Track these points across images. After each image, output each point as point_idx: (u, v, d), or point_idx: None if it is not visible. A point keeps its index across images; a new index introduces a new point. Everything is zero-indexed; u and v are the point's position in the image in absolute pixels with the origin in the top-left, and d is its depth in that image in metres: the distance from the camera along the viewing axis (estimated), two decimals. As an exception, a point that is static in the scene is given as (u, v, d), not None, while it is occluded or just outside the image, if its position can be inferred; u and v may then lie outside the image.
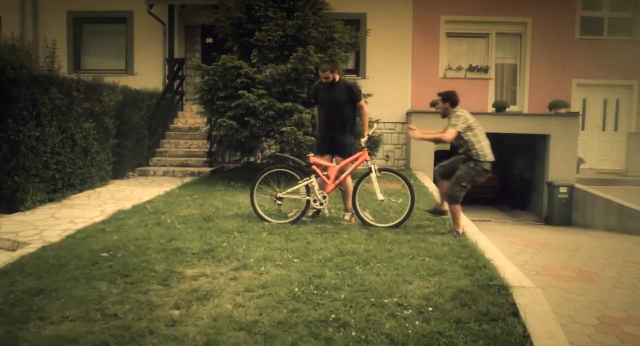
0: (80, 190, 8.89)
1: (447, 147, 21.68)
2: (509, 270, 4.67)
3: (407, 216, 6.44)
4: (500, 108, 13.01)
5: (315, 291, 4.26)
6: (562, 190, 12.06)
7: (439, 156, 14.98)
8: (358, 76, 13.68)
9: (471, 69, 14.10)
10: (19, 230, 6.49)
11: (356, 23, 13.80)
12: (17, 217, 7.17)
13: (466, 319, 3.85)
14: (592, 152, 14.34)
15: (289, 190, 6.59)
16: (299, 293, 4.23)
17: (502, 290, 4.26)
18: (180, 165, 11.66)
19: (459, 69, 14.13)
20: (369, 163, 6.43)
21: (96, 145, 9.21)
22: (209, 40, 14.32)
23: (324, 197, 6.51)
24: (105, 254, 5.16)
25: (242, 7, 10.00)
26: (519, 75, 14.30)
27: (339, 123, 6.57)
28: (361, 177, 6.54)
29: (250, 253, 5.17)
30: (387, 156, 13.26)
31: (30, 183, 7.52)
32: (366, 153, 6.52)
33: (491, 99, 13.83)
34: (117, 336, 3.64)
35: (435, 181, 11.24)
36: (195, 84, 13.92)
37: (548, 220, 12.30)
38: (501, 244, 7.17)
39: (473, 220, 11.46)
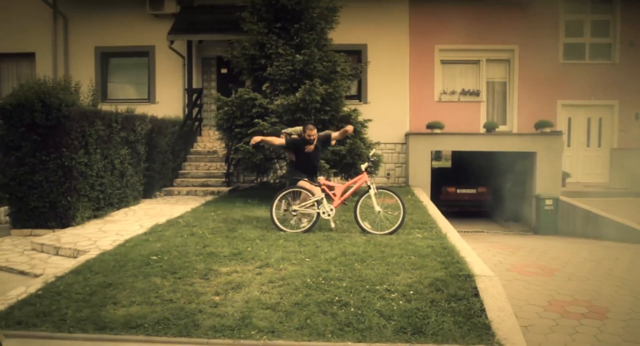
0: (118, 208, 10.20)
1: (447, 164, 22.93)
2: (476, 264, 5.89)
3: (400, 225, 7.67)
4: (490, 128, 14.23)
5: (323, 281, 5.48)
6: (548, 202, 13.20)
7: (439, 173, 16.28)
8: (360, 101, 14.99)
9: (464, 92, 15.39)
10: (76, 241, 7.76)
11: (358, 53, 15.14)
12: (70, 231, 8.46)
13: (439, 299, 5.06)
14: (578, 167, 15.51)
15: (303, 204, 7.85)
16: (311, 282, 5.46)
17: (468, 278, 5.47)
18: (201, 185, 12.94)
19: (453, 93, 15.42)
20: (369, 182, 7.73)
21: (130, 169, 10.54)
22: (224, 70, 15.68)
23: (332, 210, 7.78)
24: (154, 257, 6.42)
25: (255, 45, 11.33)
26: (508, 98, 15.56)
27: (316, 166, 8.43)
28: (362, 193, 7.84)
29: (271, 255, 6.41)
30: (388, 174, 14.56)
31: (80, 203, 8.83)
32: (366, 175, 7.86)
33: (483, 120, 15.07)
34: (174, 314, 4.88)
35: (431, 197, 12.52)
36: (211, 110, 15.36)
37: (536, 230, 13.43)
38: (482, 248, 8.35)
39: (467, 231, 12.70)
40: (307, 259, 6.25)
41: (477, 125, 14.99)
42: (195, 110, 14.98)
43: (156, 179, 12.12)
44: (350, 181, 8.12)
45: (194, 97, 14.87)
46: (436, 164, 23.08)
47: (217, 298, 5.23)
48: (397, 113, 15.13)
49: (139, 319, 4.79)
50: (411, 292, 5.21)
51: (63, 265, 6.60)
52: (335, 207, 7.85)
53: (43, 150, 8.45)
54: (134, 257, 6.51)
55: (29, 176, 8.51)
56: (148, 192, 11.81)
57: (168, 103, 15.51)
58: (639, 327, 5.02)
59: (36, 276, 6.52)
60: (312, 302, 5.02)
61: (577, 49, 15.51)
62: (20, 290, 5.58)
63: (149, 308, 5.02)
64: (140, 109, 11.99)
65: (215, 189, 12.62)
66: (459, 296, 5.11)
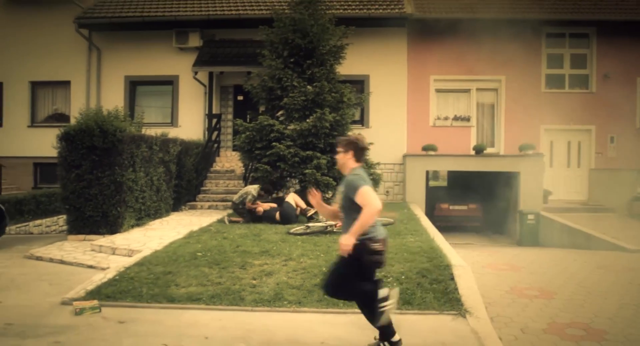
0: (154, 219, 11.84)
1: (444, 183, 24.55)
2: (454, 259, 7.51)
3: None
4: (479, 150, 15.90)
5: (335, 270, 7.09)
6: (530, 217, 14.78)
7: (435, 192, 17.89)
8: (363, 126, 16.71)
9: (456, 118, 17.11)
10: (128, 243, 9.39)
11: (361, 83, 16.90)
12: (120, 236, 10.09)
13: (423, 282, 6.67)
14: (559, 186, 17.12)
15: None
16: (326, 271, 7.06)
17: (447, 267, 7.09)
18: (221, 201, 14.57)
19: (446, 118, 17.14)
20: None
21: (164, 185, 12.22)
22: (240, 97, 17.45)
23: (334, 225, 9.61)
24: (199, 254, 8.05)
25: (273, 78, 13.06)
26: (495, 123, 17.27)
27: None
28: None
29: (292, 252, 8.04)
30: (387, 192, 16.18)
31: (127, 213, 10.49)
32: None
33: (473, 143, 16.75)
34: (224, 291, 6.48)
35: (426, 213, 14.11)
36: (227, 134, 17.09)
37: (520, 242, 14.99)
38: (465, 252, 9.95)
39: (457, 243, 14.27)
40: (321, 255, 7.89)
41: (468, 148, 16.65)
42: (214, 134, 16.67)
43: (183, 194, 13.78)
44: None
45: (213, 122, 16.57)
46: (434, 184, 24.73)
47: (254, 281, 6.85)
48: (396, 137, 16.82)
49: (197, 295, 6.41)
50: (403, 277, 6.83)
51: (123, 261, 8.18)
52: (337, 226, 9.77)
53: (99, 168, 10.12)
54: (182, 253, 8.14)
55: (86, 190, 10.17)
56: (176, 206, 13.46)
57: (189, 127, 17.23)
58: (574, 304, 6.59)
59: (103, 269, 8.11)
60: (327, 284, 6.63)
61: (557, 79, 17.27)
62: (100, 276, 7.21)
63: (204, 288, 6.64)
64: (158, 132, 13.57)
65: (234, 203, 14.23)
66: (439, 280, 6.73)
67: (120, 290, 6.61)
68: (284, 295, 6.35)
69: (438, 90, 17.28)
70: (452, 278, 6.76)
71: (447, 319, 5.77)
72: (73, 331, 5.43)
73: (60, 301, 6.40)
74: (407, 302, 6.12)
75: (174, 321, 5.71)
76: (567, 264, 8.95)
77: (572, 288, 7.37)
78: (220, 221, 11.42)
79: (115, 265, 8.02)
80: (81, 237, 10.41)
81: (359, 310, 5.95)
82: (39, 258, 9.10)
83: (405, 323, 5.63)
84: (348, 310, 5.95)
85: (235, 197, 11.31)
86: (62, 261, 8.79)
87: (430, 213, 15.43)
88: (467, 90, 17.31)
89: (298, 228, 9.83)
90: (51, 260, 8.93)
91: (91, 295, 6.48)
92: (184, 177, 13.69)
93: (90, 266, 8.46)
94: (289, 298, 6.27)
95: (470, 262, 8.40)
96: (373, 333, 5.33)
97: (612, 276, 8.12)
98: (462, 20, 16.39)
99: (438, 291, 6.41)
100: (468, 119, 17.14)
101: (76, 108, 17.45)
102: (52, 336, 5.28)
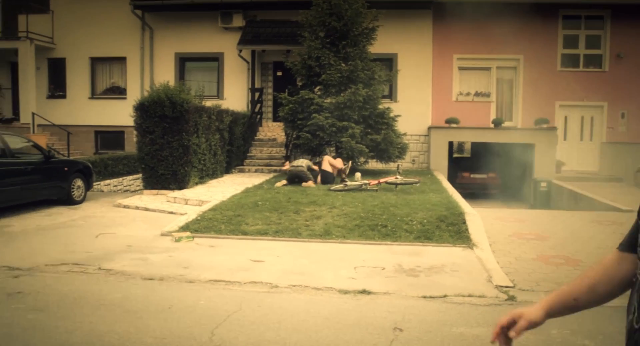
0: (212, 178, 13.77)
1: (468, 154, 26.00)
2: (467, 208, 9.28)
3: (406, 184, 11.43)
4: (497, 124, 17.44)
5: (370, 215, 8.91)
6: (543, 184, 16.35)
7: (458, 162, 19.49)
8: (391, 100, 18.31)
9: (477, 94, 18.61)
10: (197, 196, 11.29)
11: (390, 61, 18.44)
12: (188, 191, 12.01)
13: (442, 225, 8.45)
14: (573, 157, 18.60)
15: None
16: (363, 215, 8.89)
17: (461, 214, 8.85)
18: (265, 165, 16.43)
19: (468, 94, 18.65)
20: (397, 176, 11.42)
21: (219, 150, 14.10)
22: (279, 73, 19.16)
23: (368, 184, 11.36)
24: (259, 203, 9.92)
25: (312, 57, 14.74)
26: (513, 98, 18.73)
27: None
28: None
29: (335, 202, 9.87)
30: (413, 160, 17.88)
31: (192, 172, 12.39)
32: (395, 177, 11.70)
33: (492, 117, 18.26)
34: (284, 229, 8.34)
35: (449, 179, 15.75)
36: (268, 106, 18.86)
37: (533, 207, 16.59)
38: (480, 210, 11.66)
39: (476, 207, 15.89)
40: (359, 204, 9.71)
41: (488, 121, 18.18)
42: (257, 106, 18.45)
43: (233, 159, 15.68)
44: (382, 179, 11.91)
45: (256, 95, 18.35)
46: (458, 155, 26.25)
47: (307, 222, 8.70)
48: (421, 110, 18.41)
49: (264, 231, 8.29)
50: (425, 221, 8.62)
51: (198, 209, 10.08)
52: (370, 184, 11.53)
53: (169, 134, 12.00)
54: (245, 202, 10.03)
55: (159, 152, 12.07)
56: (227, 169, 15.36)
57: (234, 99, 19.01)
58: (562, 244, 8.27)
59: (182, 214, 9.99)
60: (365, 225, 8.46)
61: (572, 58, 18.59)
62: (185, 217, 9.13)
63: (268, 227, 8.51)
64: (210, 104, 15.35)
65: (277, 168, 16.09)
66: (454, 223, 8.51)
67: (204, 227, 8.53)
68: (332, 232, 8.19)
69: (460, 68, 18.74)
70: (464, 222, 8.53)
71: (458, 250, 7.56)
72: (178, 250, 7.35)
73: (160, 233, 8.35)
74: (428, 238, 7.93)
75: (251, 246, 7.60)
76: (566, 218, 10.61)
77: (564, 234, 9.05)
78: (269, 182, 13.24)
79: (192, 211, 9.90)
80: (154, 191, 12.36)
81: (390, 242, 7.79)
82: (126, 207, 11.08)
83: (426, 252, 7.44)
84: (382, 242, 7.78)
85: (301, 167, 12.71)
86: (146, 209, 10.75)
87: (452, 180, 17.05)
88: (488, 68, 18.74)
89: (338, 186, 11.63)
90: (137, 208, 10.90)
91: (182, 229, 8.41)
92: (234, 144, 15.55)
93: (171, 212, 10.39)
94: (336, 234, 8.11)
95: (483, 216, 10.13)
96: (402, 257, 7.14)
97: (600, 227, 9.77)
98: (484, 2, 17.71)
99: (452, 231, 8.20)
100: (488, 95, 18.62)
101: (132, 82, 19.54)
102: (164, 253, 7.21)
